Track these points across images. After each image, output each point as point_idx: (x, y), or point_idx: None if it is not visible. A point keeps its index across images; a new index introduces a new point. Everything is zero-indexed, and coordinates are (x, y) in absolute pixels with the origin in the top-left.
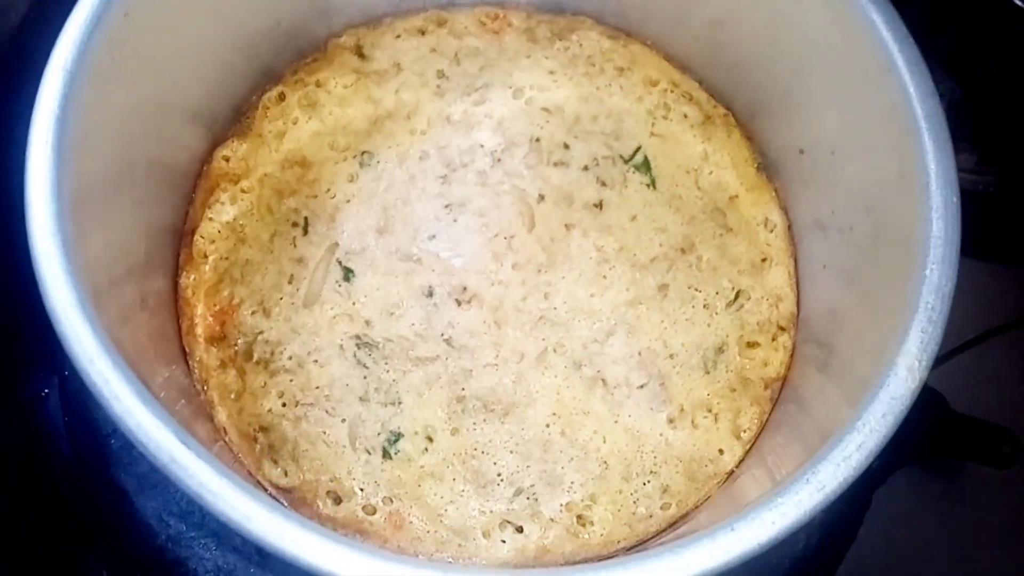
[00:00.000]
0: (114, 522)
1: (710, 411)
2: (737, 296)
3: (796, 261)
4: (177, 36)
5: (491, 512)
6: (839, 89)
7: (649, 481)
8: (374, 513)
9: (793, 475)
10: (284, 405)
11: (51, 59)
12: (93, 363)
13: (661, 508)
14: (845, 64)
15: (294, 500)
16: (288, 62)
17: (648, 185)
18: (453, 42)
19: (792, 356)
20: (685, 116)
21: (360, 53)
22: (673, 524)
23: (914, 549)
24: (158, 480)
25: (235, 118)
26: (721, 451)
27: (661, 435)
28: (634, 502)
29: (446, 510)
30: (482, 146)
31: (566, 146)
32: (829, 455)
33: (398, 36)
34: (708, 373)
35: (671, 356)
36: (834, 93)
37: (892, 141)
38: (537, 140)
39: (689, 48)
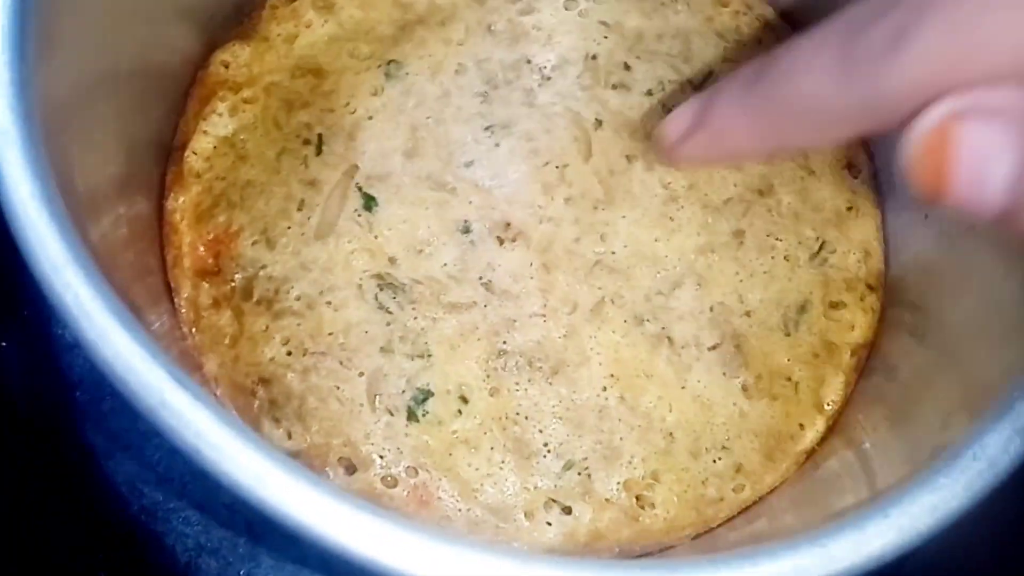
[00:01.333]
0: (77, 489)
1: (790, 379)
2: (821, 247)
3: (884, 214)
4: None
5: (535, 489)
6: None
7: (721, 458)
8: (395, 485)
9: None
10: (290, 354)
11: None
12: (59, 271)
13: (733, 490)
14: None
15: None
16: None
17: None
18: None
19: (881, 320)
20: (760, 42)
21: None
22: (744, 509)
23: None
24: (132, 440)
25: (237, 18)
26: (802, 426)
27: (735, 405)
28: (703, 482)
29: (482, 485)
30: (529, 61)
31: (627, 66)
32: (996, 426)
33: None
34: (789, 335)
35: (747, 314)
36: None
37: None
38: (594, 57)
39: None
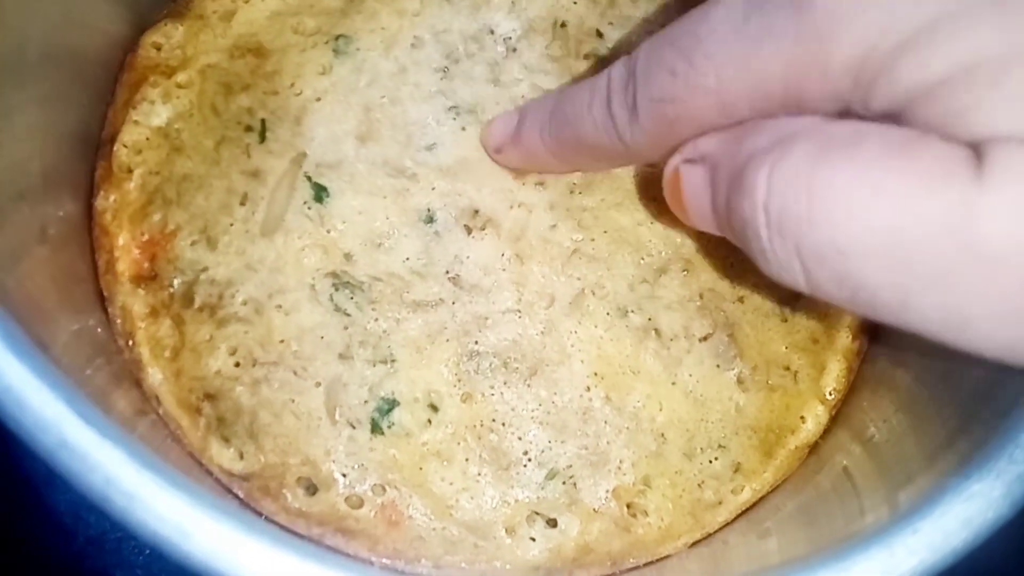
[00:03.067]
0: (15, 521)
1: (788, 368)
2: None
3: None
4: None
5: (516, 502)
6: None
7: (717, 458)
8: (361, 506)
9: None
10: (238, 365)
11: None
12: None
13: (732, 492)
14: None
15: (253, 491)
16: None
17: None
18: None
19: None
20: None
21: None
22: (744, 511)
23: None
24: None
25: None
26: (803, 418)
27: (730, 399)
28: (699, 485)
29: (457, 500)
30: (492, 31)
31: (599, 34)
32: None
33: None
34: (785, 321)
35: (740, 299)
36: None
37: None
38: (563, 25)
39: None
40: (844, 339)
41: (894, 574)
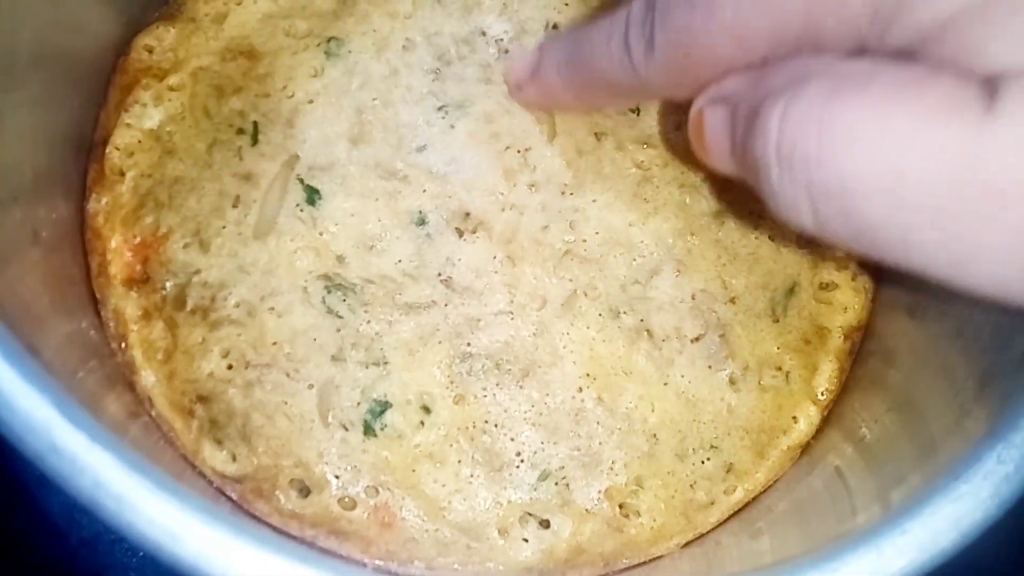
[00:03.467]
0: (7, 523)
1: (780, 369)
2: None
3: None
4: None
5: (509, 503)
6: None
7: (709, 458)
8: (354, 507)
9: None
10: (230, 367)
11: None
12: None
13: (725, 493)
14: None
15: (246, 493)
16: None
17: None
18: None
19: (875, 301)
20: None
21: None
22: (737, 511)
23: None
24: None
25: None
26: (795, 418)
27: (722, 400)
28: (691, 486)
29: (450, 502)
30: (484, 33)
31: None
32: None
33: None
34: (777, 321)
35: (732, 300)
36: None
37: None
38: (555, 27)
39: None
40: (836, 339)
41: (883, 574)
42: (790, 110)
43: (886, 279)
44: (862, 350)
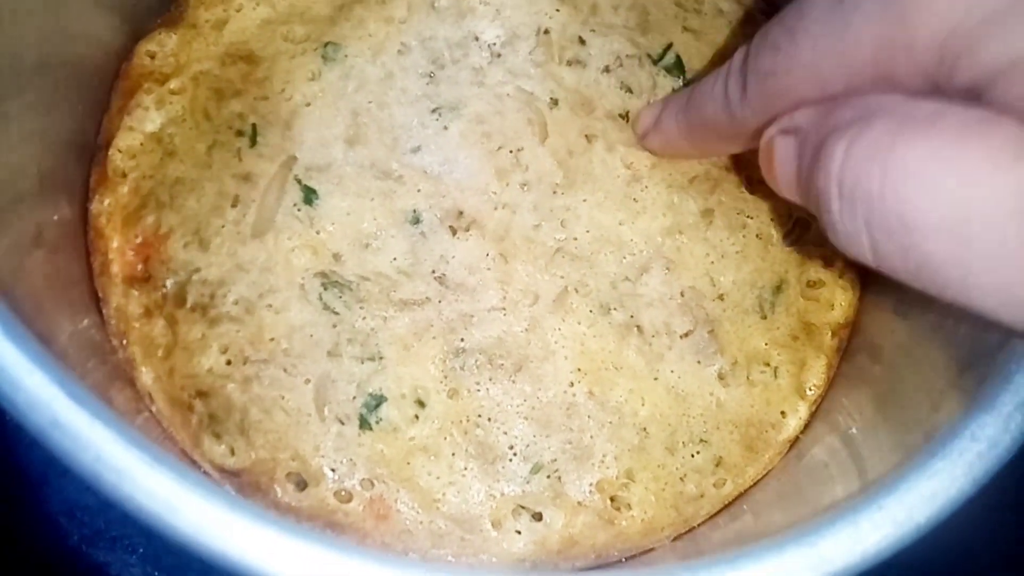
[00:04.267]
0: (12, 520)
1: (768, 364)
2: (796, 224)
3: None
4: None
5: (502, 495)
6: None
7: (699, 452)
8: (350, 500)
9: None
10: (229, 363)
11: None
12: None
13: (714, 485)
14: None
15: (244, 486)
16: None
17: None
18: None
19: (862, 299)
20: (721, 11)
21: None
22: (727, 505)
23: None
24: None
25: (162, 6)
26: (784, 413)
27: (711, 394)
28: (681, 479)
29: (444, 494)
30: (477, 38)
31: (582, 41)
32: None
33: None
34: (765, 318)
35: (720, 297)
36: None
37: None
38: (546, 32)
39: None
40: (824, 336)
41: (858, 549)
42: (854, 147)
43: (875, 278)
44: (849, 346)
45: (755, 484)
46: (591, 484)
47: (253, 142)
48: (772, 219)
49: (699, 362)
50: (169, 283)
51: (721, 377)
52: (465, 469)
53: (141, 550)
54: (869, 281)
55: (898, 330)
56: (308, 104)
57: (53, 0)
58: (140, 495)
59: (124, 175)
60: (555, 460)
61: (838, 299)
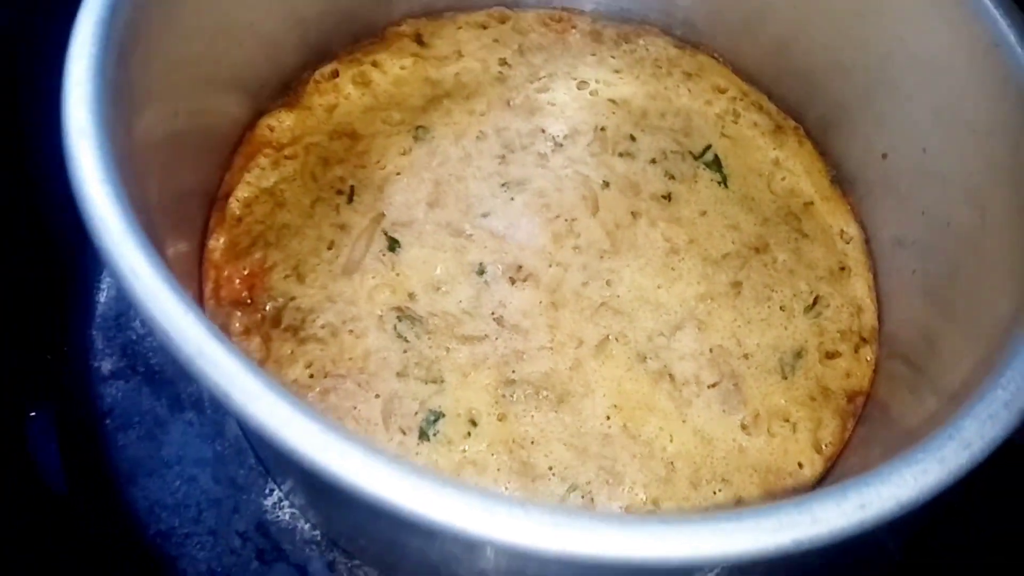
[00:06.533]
0: (99, 512)
1: (787, 420)
2: (816, 301)
3: (876, 276)
4: (226, 12)
5: None
6: (931, 80)
7: (720, 490)
8: None
9: (923, 433)
10: (312, 376)
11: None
12: (118, 245)
13: None
14: (939, 52)
15: None
16: (343, 45)
17: (719, 183)
18: (516, 36)
19: (876, 371)
20: (755, 124)
21: (420, 40)
22: None
23: None
24: (155, 467)
25: (283, 91)
26: (800, 464)
27: (734, 440)
28: (703, 512)
29: None
30: (543, 131)
31: (632, 138)
32: (971, 411)
33: (459, 28)
34: (786, 378)
35: (745, 356)
36: (925, 86)
37: (1001, 117)
38: (602, 129)
39: (758, 62)
40: (840, 400)
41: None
42: None
43: (890, 354)
44: (865, 412)
45: None
46: (620, 507)
47: (350, 200)
48: (795, 295)
49: (724, 411)
50: (268, 307)
51: (744, 427)
52: (507, 484)
53: (208, 544)
54: (886, 356)
55: (912, 406)
56: (399, 173)
57: (202, 83)
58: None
59: (239, 220)
60: (589, 483)
61: (854, 369)
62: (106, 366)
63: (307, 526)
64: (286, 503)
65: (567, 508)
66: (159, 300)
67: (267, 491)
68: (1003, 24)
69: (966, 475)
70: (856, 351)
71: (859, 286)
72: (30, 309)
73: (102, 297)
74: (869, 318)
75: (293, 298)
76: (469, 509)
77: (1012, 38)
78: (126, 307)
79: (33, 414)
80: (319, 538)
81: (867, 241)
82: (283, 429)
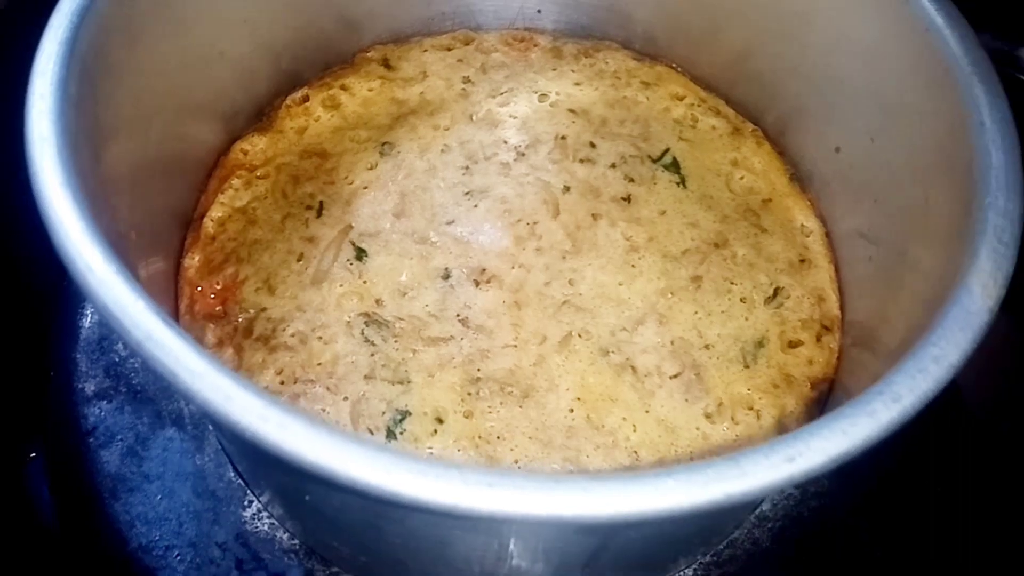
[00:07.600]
0: (81, 527)
1: (751, 408)
2: (776, 293)
3: (837, 267)
4: (197, 42)
5: None
6: (873, 70)
7: None
8: None
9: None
10: (282, 383)
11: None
12: (80, 251)
13: None
14: (876, 41)
15: None
16: (314, 71)
17: (678, 183)
18: (480, 56)
19: (840, 359)
20: (713, 127)
21: (387, 64)
22: None
23: None
24: (137, 483)
25: (256, 117)
26: None
27: (698, 429)
28: None
29: None
30: (506, 142)
31: (592, 145)
32: (902, 367)
33: (425, 51)
34: (747, 367)
35: (706, 347)
36: (868, 76)
37: (940, 103)
38: (563, 138)
39: (715, 71)
40: (803, 387)
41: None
42: None
43: (854, 342)
44: (831, 399)
45: None
46: None
47: (319, 214)
48: (755, 287)
49: (687, 400)
50: (240, 319)
51: (707, 415)
52: None
53: (188, 557)
54: (851, 345)
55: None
56: (366, 187)
57: (174, 110)
58: (208, 389)
59: (213, 238)
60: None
61: (816, 356)
62: (90, 387)
63: (285, 536)
64: (265, 514)
65: (500, 470)
66: (111, 288)
67: (246, 503)
68: (930, 8)
69: (898, 429)
70: (818, 339)
71: (820, 277)
72: (18, 339)
73: (86, 322)
74: (831, 307)
75: (264, 309)
76: (401, 472)
77: (939, 20)
78: (109, 330)
79: (33, 455)
80: (298, 547)
81: (827, 234)
82: (226, 404)
